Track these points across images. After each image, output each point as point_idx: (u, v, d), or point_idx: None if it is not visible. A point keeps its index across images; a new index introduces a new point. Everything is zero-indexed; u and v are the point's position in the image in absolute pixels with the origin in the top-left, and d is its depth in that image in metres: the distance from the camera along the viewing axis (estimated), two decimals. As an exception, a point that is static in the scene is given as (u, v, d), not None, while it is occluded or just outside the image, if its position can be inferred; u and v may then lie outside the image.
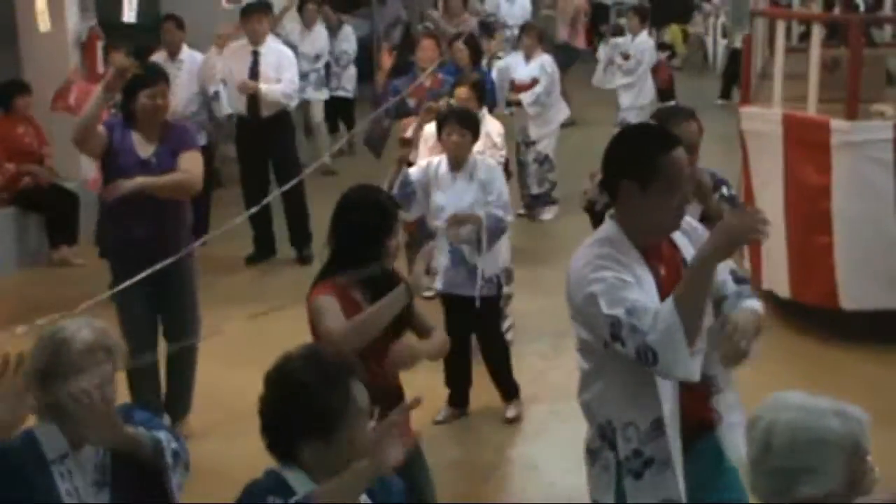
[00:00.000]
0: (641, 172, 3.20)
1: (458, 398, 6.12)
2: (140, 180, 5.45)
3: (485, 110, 7.04)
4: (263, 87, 8.58)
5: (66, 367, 2.93)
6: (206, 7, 11.40)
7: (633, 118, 10.71)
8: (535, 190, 10.08)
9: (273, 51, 8.78)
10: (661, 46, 14.68)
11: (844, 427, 2.43)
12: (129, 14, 9.09)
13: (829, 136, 6.68)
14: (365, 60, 15.28)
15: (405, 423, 2.72)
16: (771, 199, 6.99)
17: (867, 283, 6.70)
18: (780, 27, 7.51)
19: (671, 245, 3.39)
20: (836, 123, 6.68)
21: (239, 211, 7.11)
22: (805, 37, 8.36)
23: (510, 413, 6.12)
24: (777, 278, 7.12)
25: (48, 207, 8.93)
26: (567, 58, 13.72)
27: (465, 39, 8.85)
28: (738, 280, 3.53)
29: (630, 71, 11.42)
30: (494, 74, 9.59)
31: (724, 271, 3.41)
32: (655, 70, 12.01)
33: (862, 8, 10.87)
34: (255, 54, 8.69)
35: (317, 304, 3.81)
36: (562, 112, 10.21)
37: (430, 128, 6.33)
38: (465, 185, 5.92)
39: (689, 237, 3.41)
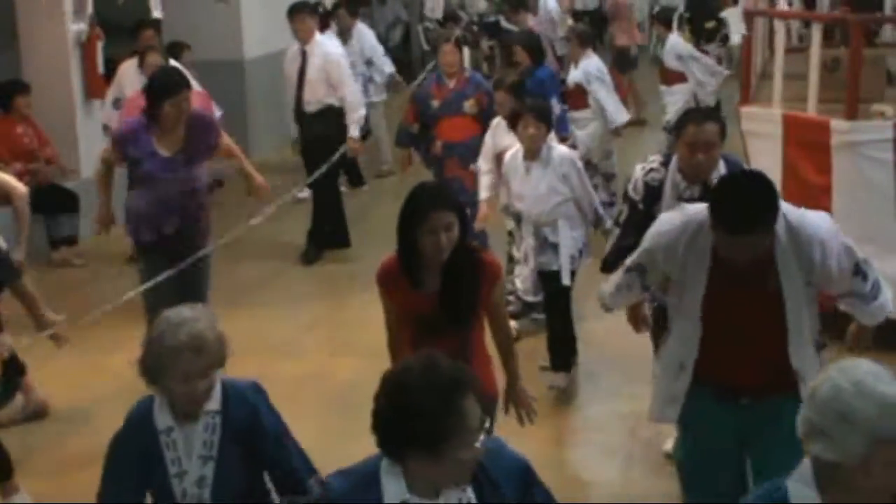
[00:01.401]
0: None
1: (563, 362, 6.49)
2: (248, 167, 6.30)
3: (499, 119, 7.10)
4: (352, 116, 8.73)
5: (157, 359, 3.26)
6: (207, 7, 11.42)
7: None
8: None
9: (319, 52, 8.79)
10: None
11: (879, 418, 2.48)
12: (156, 10, 9.25)
13: (829, 136, 6.68)
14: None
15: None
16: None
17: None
18: (780, 27, 7.51)
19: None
20: (836, 123, 6.68)
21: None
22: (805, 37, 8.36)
23: (559, 382, 6.39)
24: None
25: (48, 207, 8.93)
26: (624, 61, 13.66)
27: (528, 39, 8.84)
28: (861, 273, 3.88)
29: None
30: None
31: (847, 259, 3.78)
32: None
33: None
34: (304, 54, 8.81)
35: (380, 295, 4.16)
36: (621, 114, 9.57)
37: None
38: (540, 173, 6.27)
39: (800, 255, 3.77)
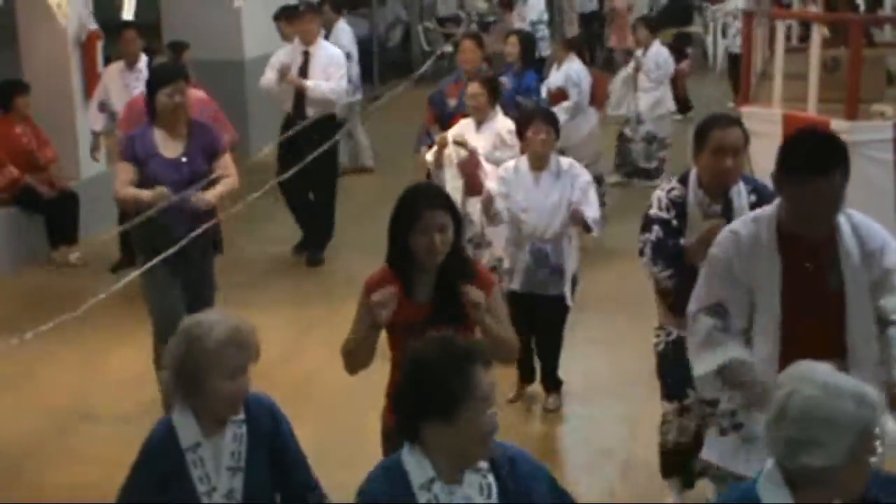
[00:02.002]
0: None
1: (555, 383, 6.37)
2: (216, 193, 5.82)
3: (498, 108, 7.06)
4: (310, 82, 8.60)
5: (199, 363, 3.17)
6: (207, 7, 11.42)
7: (657, 128, 10.73)
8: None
9: (324, 52, 8.77)
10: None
11: (858, 411, 2.51)
12: (129, 13, 9.09)
13: (829, 136, 6.68)
14: (365, 60, 15.27)
15: None
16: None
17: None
18: (780, 27, 7.51)
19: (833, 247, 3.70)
20: (836, 123, 6.68)
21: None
22: (805, 38, 8.36)
23: (552, 404, 6.27)
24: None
25: (48, 207, 8.92)
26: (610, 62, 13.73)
27: (525, 36, 8.80)
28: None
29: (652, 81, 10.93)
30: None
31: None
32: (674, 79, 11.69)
33: (862, 8, 10.86)
34: (306, 54, 8.71)
35: (360, 304, 3.93)
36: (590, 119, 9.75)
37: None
38: (551, 183, 6.01)
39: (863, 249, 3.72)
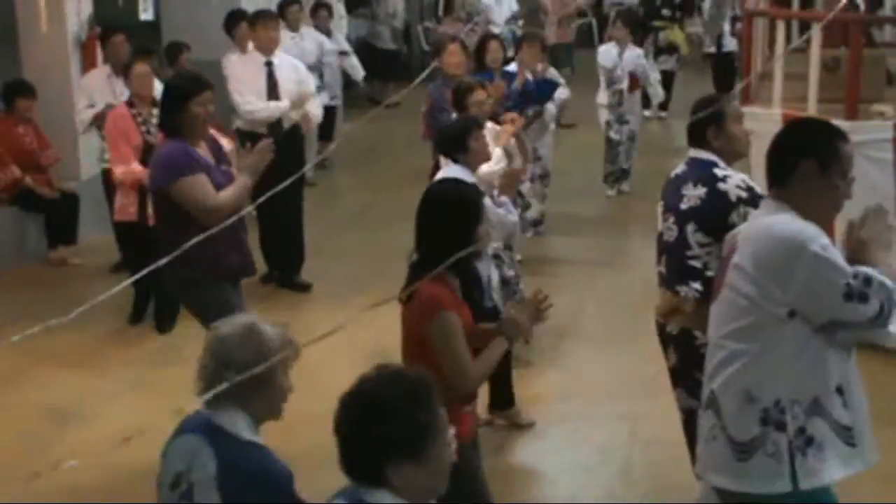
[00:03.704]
0: (823, 153, 3.44)
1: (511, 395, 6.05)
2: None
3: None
4: (312, 111, 8.24)
5: (271, 358, 3.12)
6: (207, 7, 11.41)
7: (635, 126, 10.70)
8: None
9: (288, 62, 8.27)
10: (667, 49, 14.53)
11: None
12: (146, 11, 9.01)
13: (829, 136, 6.68)
14: (365, 59, 15.26)
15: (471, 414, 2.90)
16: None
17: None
18: (780, 27, 7.51)
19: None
20: (836, 123, 6.67)
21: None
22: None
23: (528, 417, 5.99)
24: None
25: (48, 207, 8.93)
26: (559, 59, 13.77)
27: (501, 41, 8.72)
28: None
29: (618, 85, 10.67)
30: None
31: None
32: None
33: (862, 8, 10.86)
34: (269, 65, 8.11)
35: (446, 327, 3.74)
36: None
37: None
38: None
39: None
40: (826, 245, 3.34)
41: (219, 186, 5.25)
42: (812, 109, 6.91)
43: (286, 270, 8.40)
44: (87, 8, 9.58)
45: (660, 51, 14.22)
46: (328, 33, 12.14)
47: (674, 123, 13.22)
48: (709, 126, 4.54)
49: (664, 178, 4.75)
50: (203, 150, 5.38)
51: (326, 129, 11.86)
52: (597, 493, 5.37)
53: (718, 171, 4.47)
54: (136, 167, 7.03)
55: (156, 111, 7.05)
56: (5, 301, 7.93)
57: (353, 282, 8.14)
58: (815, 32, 7.04)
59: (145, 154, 6.92)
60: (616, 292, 7.71)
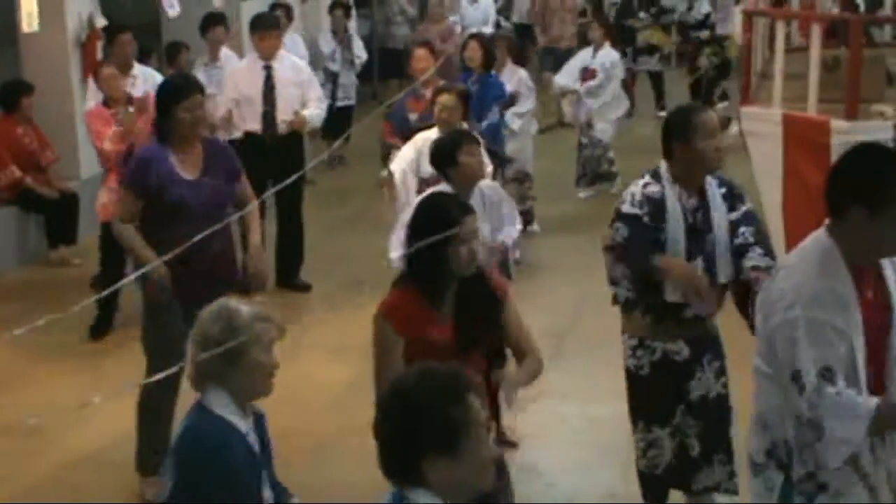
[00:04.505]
0: (874, 199, 3.20)
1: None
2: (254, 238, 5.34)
3: (464, 125, 6.61)
4: (307, 113, 8.01)
5: (242, 332, 3.15)
6: (207, 7, 11.39)
7: (606, 136, 10.61)
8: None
9: (289, 65, 8.14)
10: (648, 49, 14.56)
11: None
12: (172, 9, 8.95)
13: (829, 136, 6.67)
14: (383, 61, 15.25)
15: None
16: (771, 199, 6.99)
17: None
18: (780, 27, 7.50)
19: (878, 270, 3.38)
20: (836, 123, 6.68)
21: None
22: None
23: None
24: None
25: (48, 207, 8.93)
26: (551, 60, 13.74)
27: (483, 41, 8.64)
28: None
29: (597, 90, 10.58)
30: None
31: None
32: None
33: (862, 8, 10.86)
34: (268, 69, 8.03)
35: (377, 333, 3.74)
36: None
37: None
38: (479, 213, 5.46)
39: (894, 265, 3.41)
40: (812, 320, 3.19)
41: (178, 200, 5.05)
42: (812, 109, 6.91)
43: (285, 271, 8.38)
44: (88, 8, 9.58)
45: (638, 52, 14.14)
46: (344, 36, 12.07)
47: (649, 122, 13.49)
48: (676, 140, 4.45)
49: None
50: (192, 157, 5.17)
51: (342, 128, 11.88)
52: (597, 493, 5.37)
53: (632, 186, 4.54)
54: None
55: (131, 109, 7.12)
56: (6, 301, 7.93)
57: (352, 283, 8.14)
58: (815, 32, 7.04)
59: (128, 154, 6.93)
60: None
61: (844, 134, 6.64)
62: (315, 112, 8.16)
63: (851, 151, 3.39)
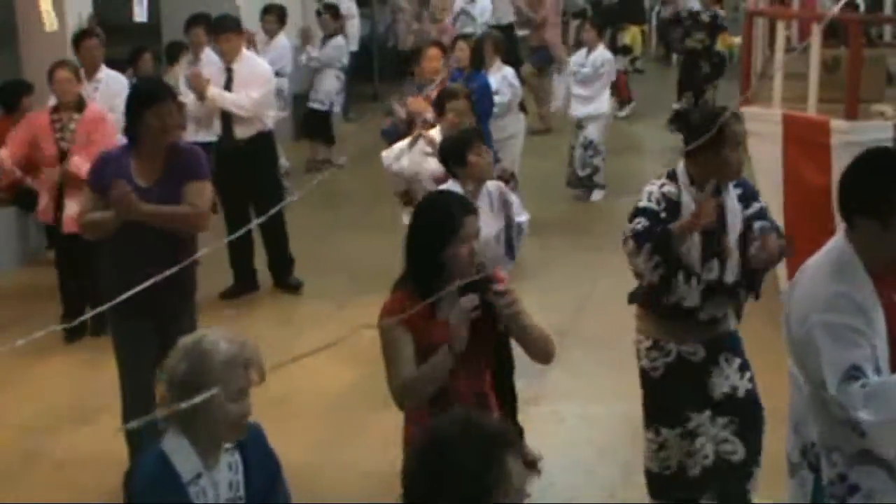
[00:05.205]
0: (882, 212, 3.21)
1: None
2: (147, 208, 4.79)
3: None
4: (213, 90, 7.85)
5: (208, 378, 2.89)
6: (206, 7, 11.39)
7: (594, 133, 10.58)
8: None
9: (247, 66, 8.02)
10: (622, 49, 14.58)
11: None
12: (140, 13, 8.97)
13: (829, 136, 6.68)
14: (365, 60, 15.26)
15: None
16: (771, 199, 6.98)
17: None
18: (780, 27, 7.51)
19: None
20: (836, 123, 6.68)
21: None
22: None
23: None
24: (777, 277, 7.12)
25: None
26: (542, 59, 13.76)
27: (470, 41, 8.65)
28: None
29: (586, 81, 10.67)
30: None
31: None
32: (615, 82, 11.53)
33: (862, 8, 10.87)
34: (229, 71, 7.99)
35: (383, 335, 3.65)
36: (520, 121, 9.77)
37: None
38: (486, 213, 5.24)
39: None
40: (830, 324, 3.18)
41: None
42: (812, 109, 6.92)
43: (276, 273, 8.39)
44: (88, 8, 9.57)
45: (615, 51, 14.18)
46: (329, 39, 12.04)
47: (635, 123, 13.94)
48: (706, 147, 4.38)
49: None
50: (153, 164, 4.93)
51: (324, 132, 11.91)
52: (597, 493, 5.37)
53: (649, 185, 4.53)
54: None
55: (77, 116, 7.10)
56: (6, 301, 7.93)
57: (353, 284, 8.14)
58: (816, 32, 7.04)
59: (60, 162, 7.11)
60: (616, 292, 7.69)
61: (844, 134, 6.65)
62: (229, 95, 7.87)
63: (857, 161, 3.37)
